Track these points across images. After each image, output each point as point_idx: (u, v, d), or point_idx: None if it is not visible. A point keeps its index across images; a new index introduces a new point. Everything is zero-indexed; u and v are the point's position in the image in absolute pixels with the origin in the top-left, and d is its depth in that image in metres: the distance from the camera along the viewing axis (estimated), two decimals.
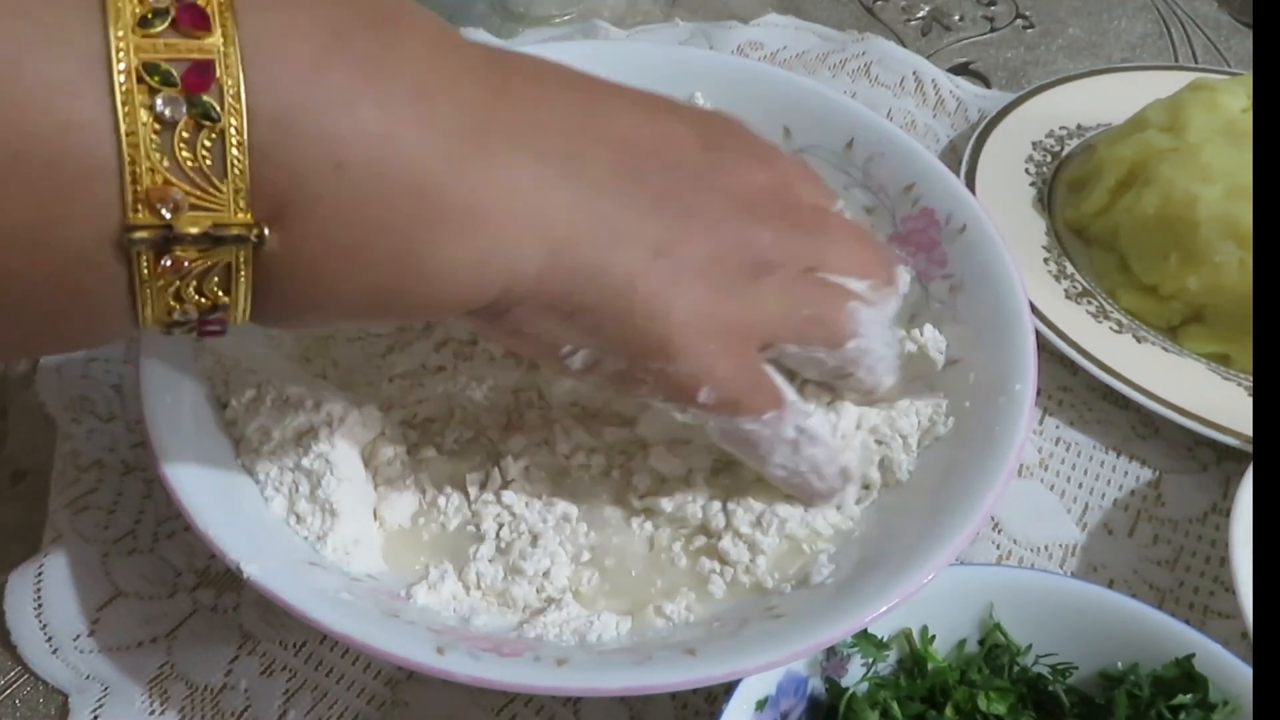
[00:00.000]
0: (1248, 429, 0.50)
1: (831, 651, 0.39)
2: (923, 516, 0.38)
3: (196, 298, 0.27)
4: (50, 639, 0.43)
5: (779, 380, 0.37)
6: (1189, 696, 0.38)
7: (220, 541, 0.35)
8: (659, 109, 0.36)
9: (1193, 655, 0.38)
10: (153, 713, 0.41)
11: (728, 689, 0.36)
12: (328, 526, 0.38)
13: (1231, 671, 0.38)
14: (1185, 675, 0.38)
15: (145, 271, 0.26)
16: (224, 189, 0.25)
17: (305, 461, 0.39)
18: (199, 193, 0.25)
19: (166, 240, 0.25)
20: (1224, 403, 0.52)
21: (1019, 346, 0.42)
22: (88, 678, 0.42)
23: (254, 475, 0.39)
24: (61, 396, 0.49)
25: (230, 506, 0.37)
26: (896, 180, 0.49)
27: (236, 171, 0.25)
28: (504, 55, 0.33)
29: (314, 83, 0.26)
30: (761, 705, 0.37)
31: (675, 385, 0.34)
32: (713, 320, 0.34)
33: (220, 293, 0.27)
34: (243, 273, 0.27)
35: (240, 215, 0.26)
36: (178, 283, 0.27)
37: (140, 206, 0.25)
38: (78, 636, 0.43)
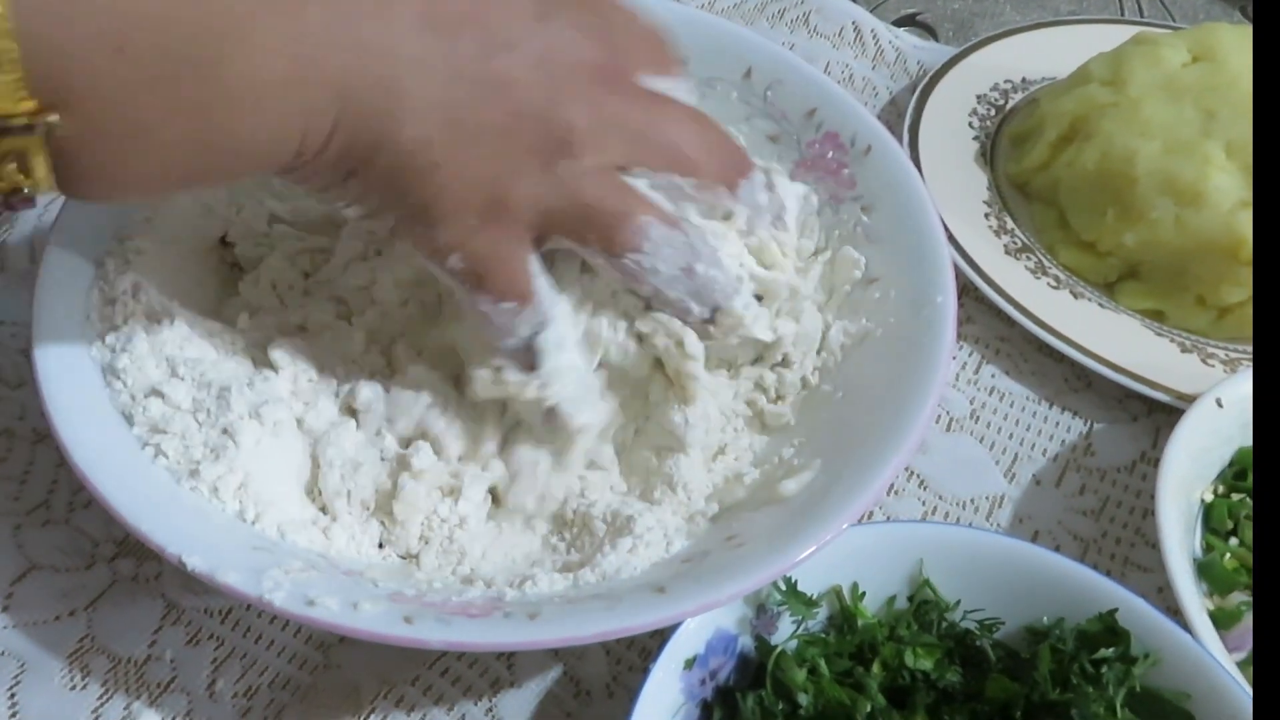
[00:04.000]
0: (1178, 385, 0.51)
1: (761, 609, 0.39)
2: (866, 433, 0.38)
3: None
4: None
5: (538, 281, 0.36)
6: (1111, 650, 0.38)
7: (156, 536, 0.33)
8: None
9: (1115, 610, 0.39)
10: (74, 687, 0.40)
11: (658, 645, 0.36)
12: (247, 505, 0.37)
13: (1153, 625, 0.39)
14: (1108, 630, 0.39)
15: None
16: (2, 78, 0.25)
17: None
18: None
19: None
20: (1156, 359, 0.53)
21: (935, 260, 0.43)
22: (3, 654, 0.40)
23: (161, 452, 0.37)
24: None
25: (155, 493, 0.35)
26: (798, 106, 0.49)
27: (9, 60, 0.25)
28: None
29: None
30: (690, 664, 0.37)
31: (431, 247, 0.35)
32: (481, 194, 0.34)
33: (21, 176, 0.28)
34: (39, 156, 0.27)
35: (22, 104, 0.26)
36: None
37: None
38: None
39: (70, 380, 0.37)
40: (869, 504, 0.36)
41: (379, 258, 0.43)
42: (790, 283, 0.42)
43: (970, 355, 0.55)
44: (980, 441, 0.52)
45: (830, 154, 0.47)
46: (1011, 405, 0.53)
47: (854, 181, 0.46)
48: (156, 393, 0.37)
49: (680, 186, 0.37)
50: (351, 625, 0.32)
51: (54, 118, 0.27)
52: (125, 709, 0.39)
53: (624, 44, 0.37)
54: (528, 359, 0.37)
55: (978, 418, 0.53)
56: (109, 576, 0.42)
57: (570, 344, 0.38)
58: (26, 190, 0.28)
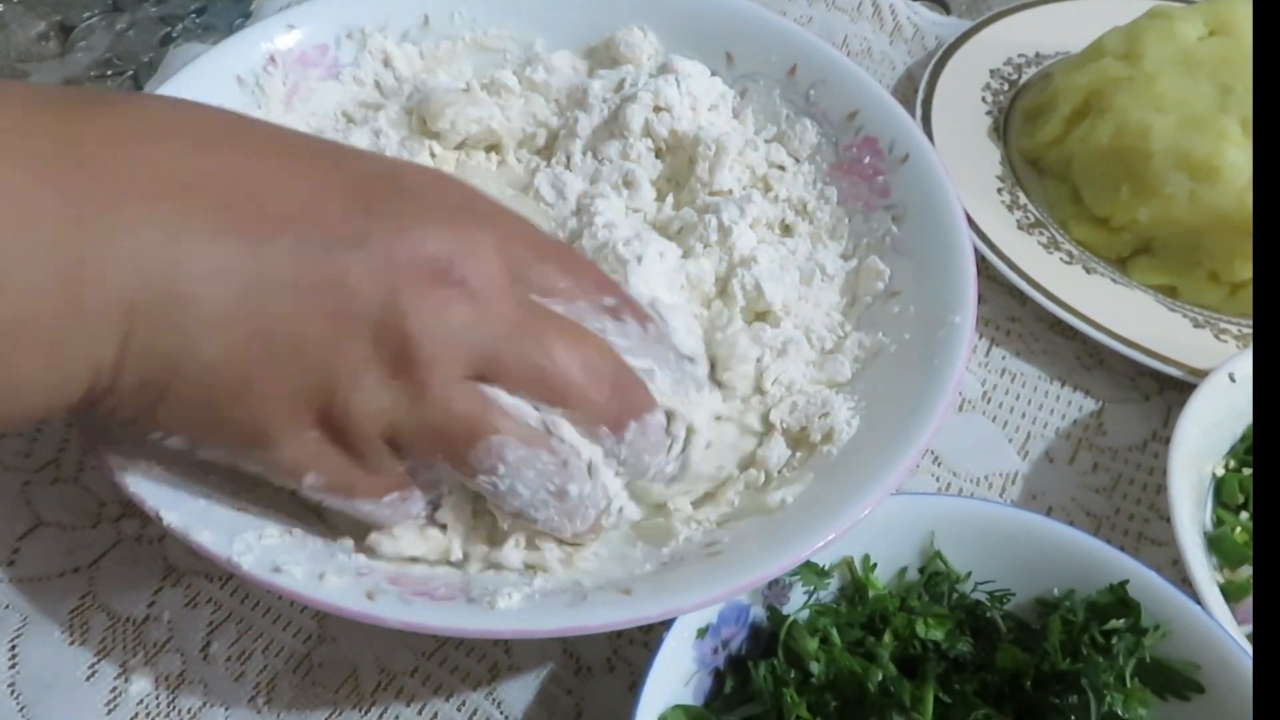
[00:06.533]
0: (1190, 360, 0.51)
1: (774, 580, 0.39)
2: (861, 451, 0.38)
3: None
4: None
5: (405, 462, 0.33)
6: (1122, 621, 0.38)
7: (138, 489, 0.34)
8: (314, 161, 0.31)
9: (1126, 581, 0.39)
10: (72, 643, 0.40)
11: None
12: None
13: (1163, 597, 0.39)
14: (1119, 601, 0.39)
15: None
16: None
17: None
18: None
19: None
20: (1168, 334, 0.53)
21: (959, 278, 0.42)
22: (6, 607, 0.41)
23: None
24: None
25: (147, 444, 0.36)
26: (840, 108, 0.48)
27: None
28: (86, 100, 0.28)
29: None
30: (703, 633, 0.37)
31: (280, 470, 0.32)
32: (312, 411, 0.30)
33: None
34: None
35: None
36: None
37: None
38: None
39: None
40: (850, 524, 0.35)
41: None
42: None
43: (981, 338, 0.55)
44: (993, 421, 0.52)
45: (867, 159, 0.47)
46: (1024, 385, 0.53)
47: (888, 189, 0.46)
48: None
49: (514, 425, 0.32)
50: (312, 595, 0.32)
51: None
52: (121, 666, 0.40)
53: (479, 238, 0.32)
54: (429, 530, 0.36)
55: (989, 398, 0.52)
56: (113, 536, 0.43)
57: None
58: None
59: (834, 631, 0.38)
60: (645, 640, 0.42)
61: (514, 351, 0.31)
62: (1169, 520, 0.43)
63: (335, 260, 0.29)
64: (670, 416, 0.36)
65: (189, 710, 0.39)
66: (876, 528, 0.40)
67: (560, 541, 0.37)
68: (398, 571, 0.35)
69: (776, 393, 0.41)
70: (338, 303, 0.29)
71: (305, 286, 0.29)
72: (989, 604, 0.40)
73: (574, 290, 0.34)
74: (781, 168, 0.49)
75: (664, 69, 0.50)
